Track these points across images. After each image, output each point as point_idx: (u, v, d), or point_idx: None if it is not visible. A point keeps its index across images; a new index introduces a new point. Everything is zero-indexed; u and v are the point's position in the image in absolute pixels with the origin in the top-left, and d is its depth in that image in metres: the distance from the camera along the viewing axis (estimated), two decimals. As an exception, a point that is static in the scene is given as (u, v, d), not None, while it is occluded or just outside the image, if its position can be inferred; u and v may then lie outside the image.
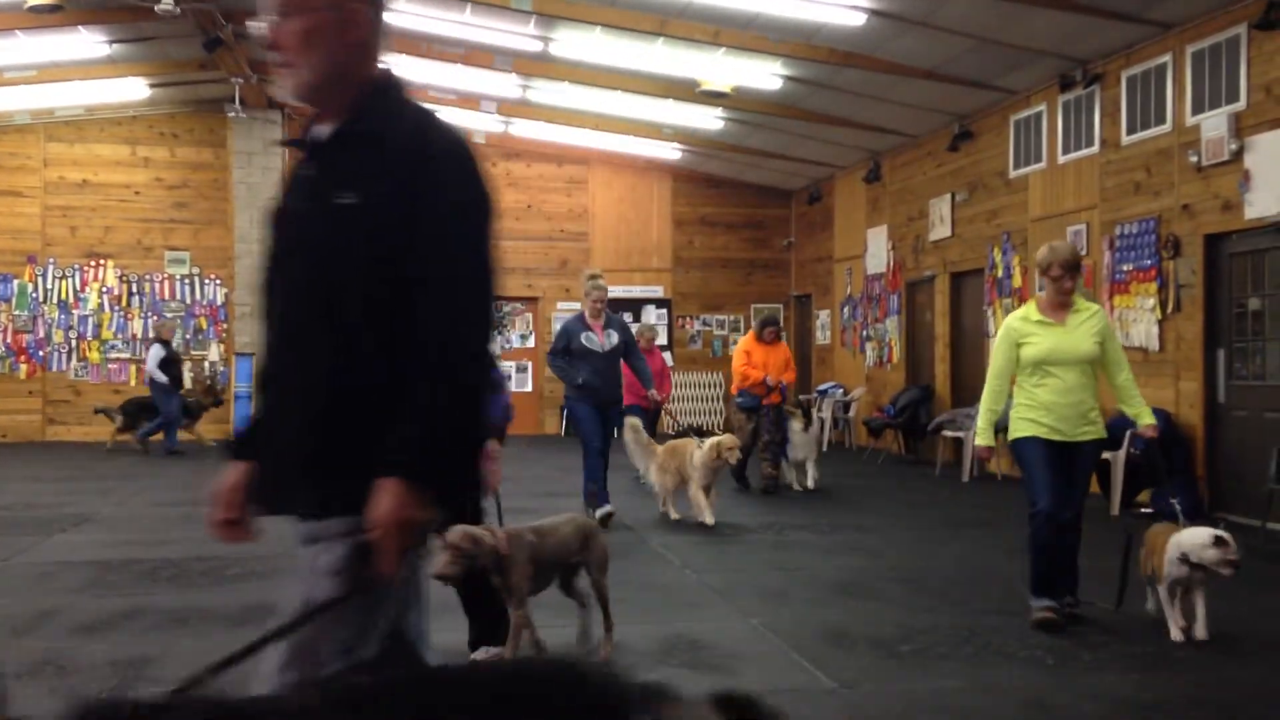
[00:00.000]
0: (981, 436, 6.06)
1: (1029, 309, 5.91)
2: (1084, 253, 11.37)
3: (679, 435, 11.52)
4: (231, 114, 16.39)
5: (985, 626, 5.72)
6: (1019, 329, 5.78)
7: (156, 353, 15.31)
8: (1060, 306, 5.79)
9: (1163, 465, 7.65)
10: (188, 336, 17.76)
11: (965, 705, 4.49)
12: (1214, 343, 9.70)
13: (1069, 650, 5.28)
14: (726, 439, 9.08)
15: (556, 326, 18.86)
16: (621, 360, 9.28)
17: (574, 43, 12.99)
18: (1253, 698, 4.61)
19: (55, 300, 17.46)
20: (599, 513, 8.67)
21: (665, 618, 5.97)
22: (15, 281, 17.34)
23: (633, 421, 9.64)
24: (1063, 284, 5.71)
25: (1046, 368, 5.66)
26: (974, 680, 4.84)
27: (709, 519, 8.89)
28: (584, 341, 9.02)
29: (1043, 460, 5.65)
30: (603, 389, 9.06)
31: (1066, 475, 5.67)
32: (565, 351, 9.12)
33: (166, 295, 17.78)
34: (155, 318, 16.37)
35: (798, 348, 19.01)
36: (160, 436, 15.28)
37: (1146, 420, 5.85)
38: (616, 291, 18.52)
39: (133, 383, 17.53)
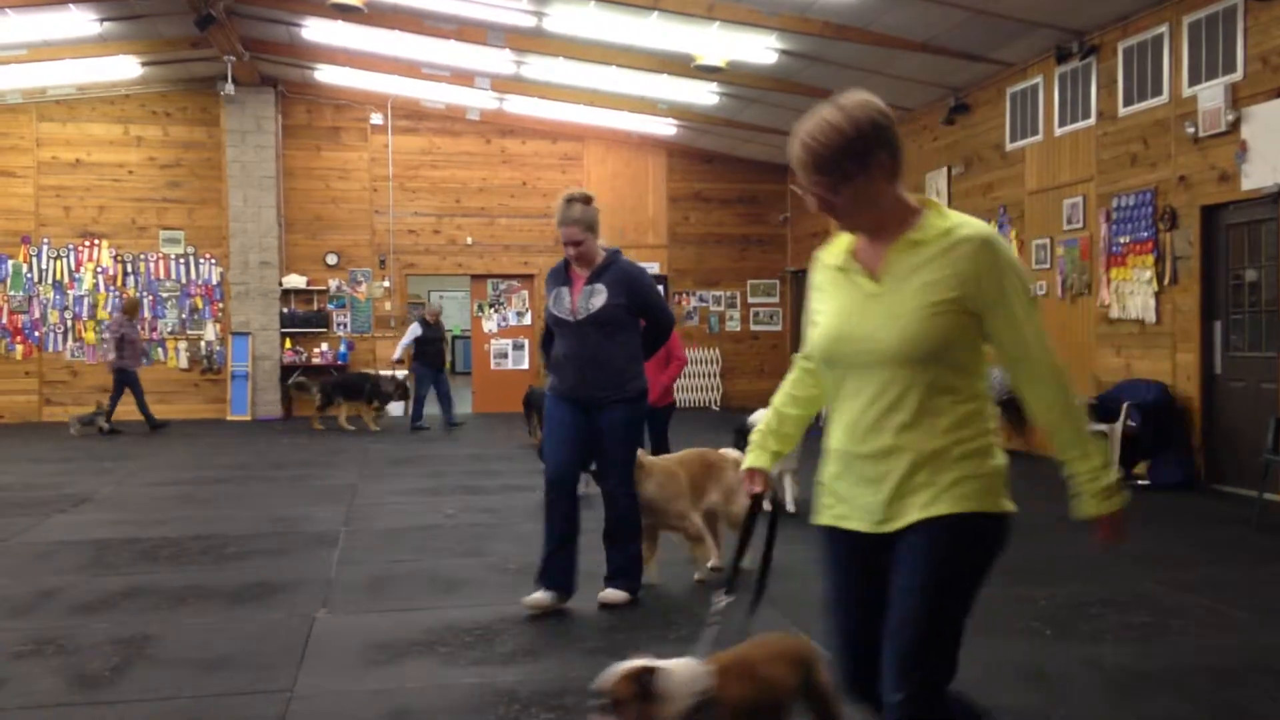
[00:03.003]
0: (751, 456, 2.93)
1: (845, 238, 2.68)
2: (1080, 226, 11.37)
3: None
4: (224, 92, 16.32)
5: (982, 599, 5.72)
6: (815, 278, 2.74)
7: (414, 330, 15.85)
8: (877, 235, 2.56)
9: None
10: (184, 316, 17.75)
11: (965, 677, 4.47)
12: (1211, 314, 9.70)
13: (1067, 622, 5.30)
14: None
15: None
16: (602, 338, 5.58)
17: (568, 17, 12.91)
18: (1249, 667, 4.63)
19: (50, 281, 17.43)
20: (529, 599, 5.40)
21: (651, 592, 5.99)
22: (10, 262, 17.30)
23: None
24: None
25: (836, 368, 2.61)
26: (973, 652, 4.82)
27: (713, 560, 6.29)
28: (551, 306, 5.70)
29: (830, 577, 2.81)
30: (577, 381, 5.52)
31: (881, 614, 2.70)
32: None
33: (162, 275, 17.74)
34: (414, 308, 16.68)
35: (792, 323, 19.03)
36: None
37: (1087, 510, 2.63)
38: (613, 268, 18.56)
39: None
